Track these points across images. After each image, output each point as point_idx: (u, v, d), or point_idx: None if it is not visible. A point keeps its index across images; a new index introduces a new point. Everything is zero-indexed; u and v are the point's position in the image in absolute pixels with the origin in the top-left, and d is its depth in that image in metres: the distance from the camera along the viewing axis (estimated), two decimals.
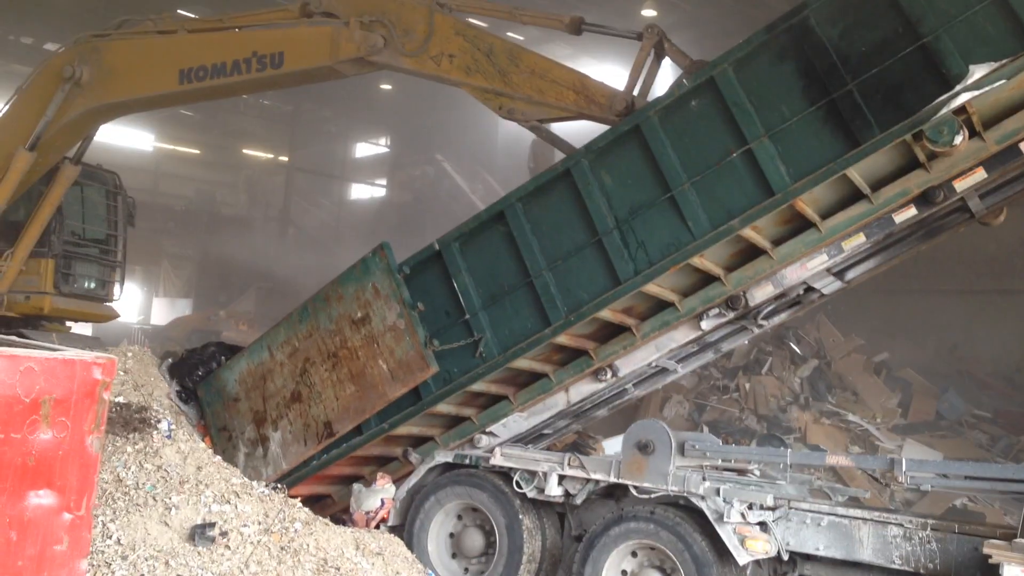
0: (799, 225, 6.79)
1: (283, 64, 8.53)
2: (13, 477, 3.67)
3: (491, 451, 7.72)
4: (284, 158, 39.04)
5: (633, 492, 6.97)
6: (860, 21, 6.36)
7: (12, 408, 3.63)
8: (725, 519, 6.49)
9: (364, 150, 40.32)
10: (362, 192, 40.49)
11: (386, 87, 34.19)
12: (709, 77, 6.81)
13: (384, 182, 39.00)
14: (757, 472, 7.66)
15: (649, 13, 24.03)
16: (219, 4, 9.40)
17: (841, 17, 6.42)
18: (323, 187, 39.39)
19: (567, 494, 7.32)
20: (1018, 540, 5.79)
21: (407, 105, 33.22)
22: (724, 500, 6.59)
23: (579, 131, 8.00)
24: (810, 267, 6.92)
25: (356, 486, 8.32)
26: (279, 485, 7.95)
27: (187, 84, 8.92)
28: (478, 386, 7.80)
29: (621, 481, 7.04)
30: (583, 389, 7.88)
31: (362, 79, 32.81)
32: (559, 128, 8.33)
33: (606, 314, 7.26)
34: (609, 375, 7.70)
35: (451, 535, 7.87)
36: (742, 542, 6.44)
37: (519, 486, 7.41)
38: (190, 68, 8.88)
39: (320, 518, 7.49)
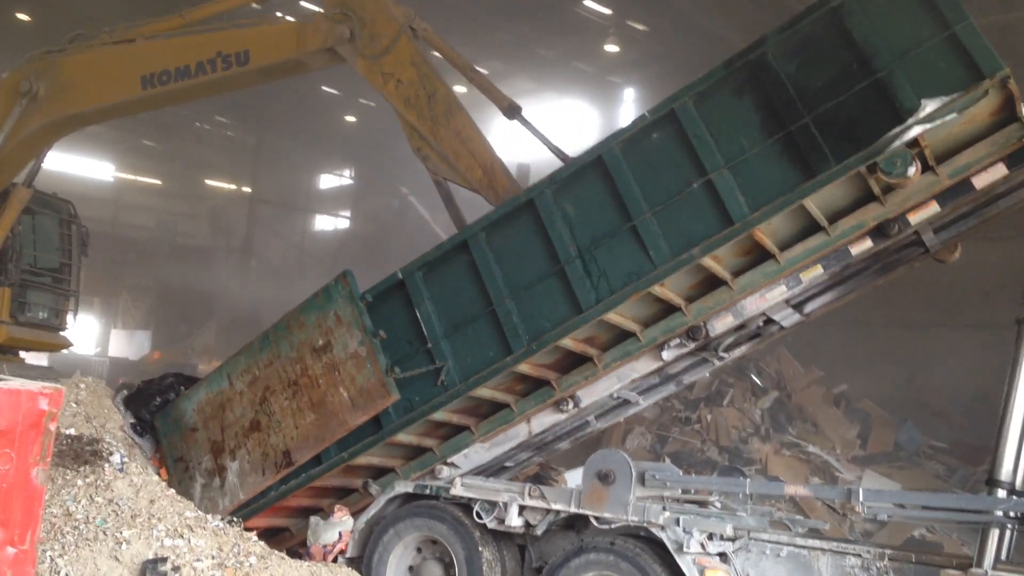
0: (758, 256, 6.86)
1: (249, 61, 8.56)
2: None
3: (451, 482, 7.66)
4: (247, 189, 38.82)
5: (594, 523, 6.94)
6: (816, 57, 6.49)
7: None
8: (685, 549, 6.49)
9: (328, 181, 40.26)
10: (326, 223, 40.37)
11: (350, 119, 34.28)
12: (670, 110, 6.90)
13: (348, 213, 38.92)
14: (718, 503, 7.67)
15: (612, 49, 24.40)
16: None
17: (797, 53, 6.55)
18: (286, 218, 39.22)
19: (527, 525, 7.27)
20: (974, 570, 5.84)
21: (371, 137, 33.28)
22: (684, 530, 6.59)
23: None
24: (769, 298, 6.98)
25: (313, 519, 8.20)
26: (234, 519, 7.81)
27: (150, 89, 8.91)
28: (439, 415, 7.74)
29: (582, 511, 7.02)
30: (545, 420, 7.86)
31: (326, 111, 32.81)
32: None
33: (568, 343, 7.26)
34: (571, 406, 7.69)
35: (410, 568, 7.77)
36: (702, 573, 6.42)
37: (479, 517, 7.35)
38: (152, 73, 8.87)
39: (276, 552, 7.37)
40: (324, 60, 8.66)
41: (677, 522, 6.64)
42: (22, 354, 12.79)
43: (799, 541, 6.73)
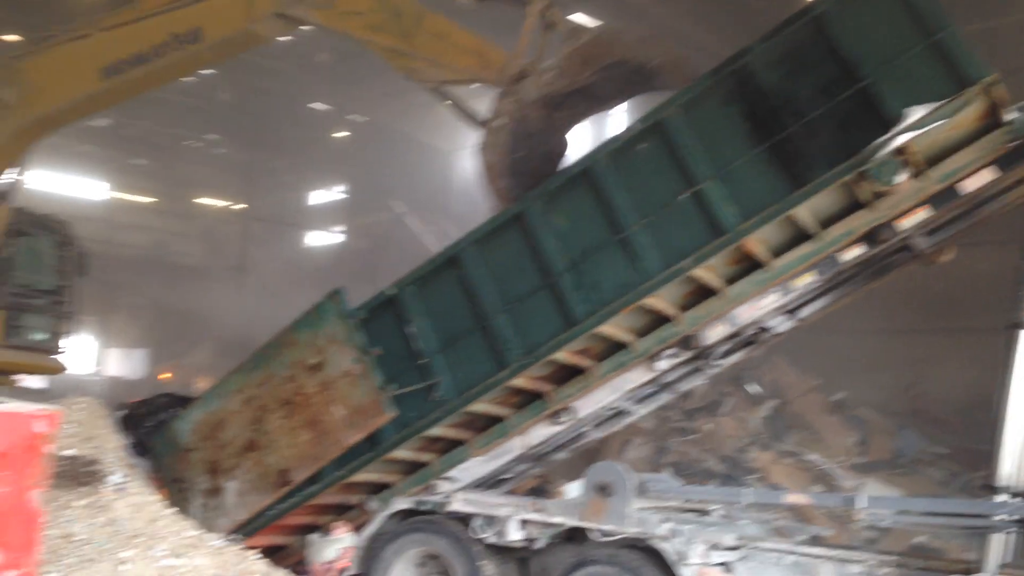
0: (750, 264, 6.87)
1: (202, 38, 8.58)
2: None
3: (450, 497, 7.64)
4: (240, 206, 38.80)
5: (594, 536, 6.92)
6: (801, 66, 6.52)
7: None
8: (686, 560, 6.46)
9: (320, 197, 40.23)
10: (319, 239, 40.31)
11: (341, 134, 34.33)
12: (658, 120, 6.93)
13: (341, 229, 38.89)
14: (718, 513, 7.66)
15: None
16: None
17: (782, 62, 6.58)
18: (280, 235, 39.15)
19: (528, 539, 7.24)
20: None
21: (362, 152, 33.33)
22: (685, 541, 6.56)
23: None
24: (762, 306, 7.00)
25: (313, 536, 8.17)
26: (235, 537, 7.79)
27: (109, 81, 8.93)
28: (435, 431, 7.74)
29: (581, 524, 7.00)
30: (541, 432, 7.85)
31: (317, 127, 32.77)
32: None
33: (562, 356, 7.27)
34: (567, 417, 7.68)
35: None
36: None
37: (478, 532, 7.33)
38: (110, 64, 8.90)
39: (277, 569, 7.35)
40: (278, 28, 8.69)
41: (677, 533, 6.63)
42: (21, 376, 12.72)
43: (801, 549, 6.72)
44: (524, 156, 7.92)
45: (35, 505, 3.89)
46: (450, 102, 8.73)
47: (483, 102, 8.51)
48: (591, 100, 8.21)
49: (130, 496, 7.46)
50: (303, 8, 8.39)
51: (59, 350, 13.04)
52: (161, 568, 6.66)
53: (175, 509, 7.88)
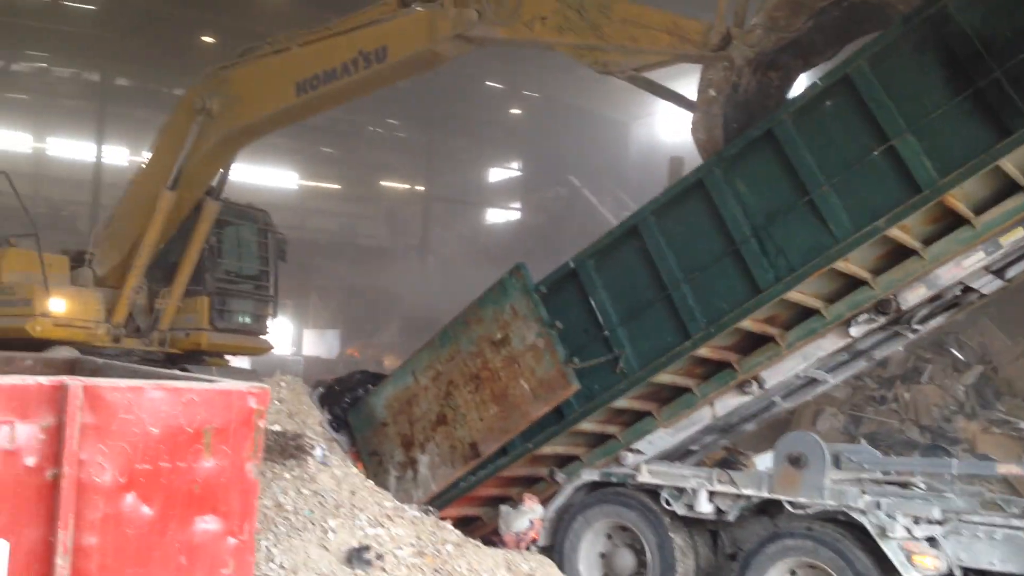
0: (951, 222, 6.46)
1: (387, 57, 8.72)
2: (181, 504, 3.83)
3: (637, 468, 7.64)
4: (420, 187, 40.03)
5: (788, 508, 6.74)
6: (1002, 5, 6.03)
7: (177, 438, 3.80)
8: (889, 534, 6.19)
9: (497, 175, 40.90)
10: (497, 216, 41.03)
11: (516, 112, 34.69)
12: (844, 75, 6.60)
13: (518, 205, 39.43)
14: (922, 485, 7.29)
15: None
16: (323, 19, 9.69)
17: (982, 3, 6.11)
18: (459, 214, 40.14)
19: (718, 511, 7.14)
20: None
21: (537, 128, 33.57)
22: (887, 514, 6.29)
23: None
24: (966, 266, 6.57)
25: (504, 508, 8.36)
26: (430, 508, 8.09)
27: (304, 95, 9.27)
28: (620, 402, 7.74)
29: (774, 496, 6.83)
30: (729, 403, 7.70)
31: (492, 105, 33.25)
32: None
33: (748, 324, 7.08)
34: (755, 387, 7.49)
35: (602, 555, 7.82)
36: (909, 558, 6.12)
37: (668, 503, 7.29)
38: (304, 79, 9.22)
39: (471, 540, 7.58)
40: (458, 47, 8.67)
41: (879, 505, 6.35)
42: (227, 357, 13.66)
43: (1015, 522, 6.29)
44: (742, 127, 7.43)
45: (251, 477, 4.11)
46: (652, 88, 8.48)
47: (688, 83, 8.18)
48: (807, 53, 7.59)
49: (332, 468, 7.87)
50: (485, 26, 8.28)
51: (265, 331, 13.88)
52: (364, 537, 7.01)
53: (372, 481, 8.28)
